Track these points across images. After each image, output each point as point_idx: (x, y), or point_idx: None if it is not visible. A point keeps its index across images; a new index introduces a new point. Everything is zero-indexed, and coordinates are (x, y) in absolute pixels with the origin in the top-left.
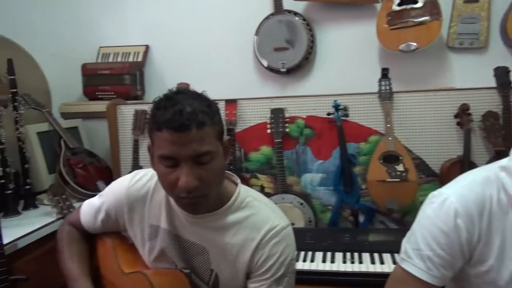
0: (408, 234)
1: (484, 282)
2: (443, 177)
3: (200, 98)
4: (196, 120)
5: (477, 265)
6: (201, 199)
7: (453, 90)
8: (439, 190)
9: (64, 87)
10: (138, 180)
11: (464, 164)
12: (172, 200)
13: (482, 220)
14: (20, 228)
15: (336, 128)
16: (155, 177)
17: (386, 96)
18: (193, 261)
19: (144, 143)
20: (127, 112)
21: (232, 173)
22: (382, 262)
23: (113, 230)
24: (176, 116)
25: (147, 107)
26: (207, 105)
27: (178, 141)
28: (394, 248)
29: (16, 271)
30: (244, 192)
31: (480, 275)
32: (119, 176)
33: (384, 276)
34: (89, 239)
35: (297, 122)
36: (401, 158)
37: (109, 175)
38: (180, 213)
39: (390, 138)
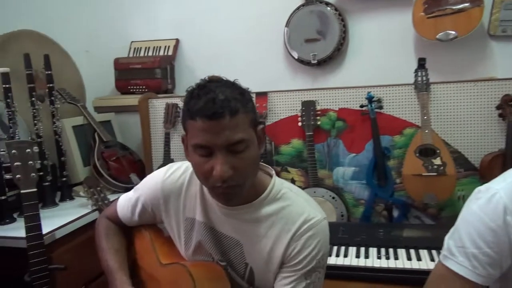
0: (452, 230)
1: None
2: (483, 171)
3: (233, 86)
4: (229, 107)
5: None
6: (236, 189)
7: (495, 80)
8: (486, 185)
9: (98, 81)
10: (173, 173)
11: (506, 158)
12: (206, 192)
13: None
14: (58, 218)
15: (369, 121)
16: (190, 170)
17: (422, 87)
18: (229, 254)
19: (175, 136)
20: (158, 105)
21: (266, 165)
22: (419, 259)
23: (150, 222)
24: (209, 104)
25: (178, 101)
26: (240, 92)
27: (211, 130)
28: (431, 244)
29: (54, 260)
30: (279, 184)
31: None
32: (151, 168)
33: (422, 273)
34: (126, 231)
35: (329, 115)
36: (438, 151)
37: (142, 168)
38: (215, 206)
39: (426, 131)
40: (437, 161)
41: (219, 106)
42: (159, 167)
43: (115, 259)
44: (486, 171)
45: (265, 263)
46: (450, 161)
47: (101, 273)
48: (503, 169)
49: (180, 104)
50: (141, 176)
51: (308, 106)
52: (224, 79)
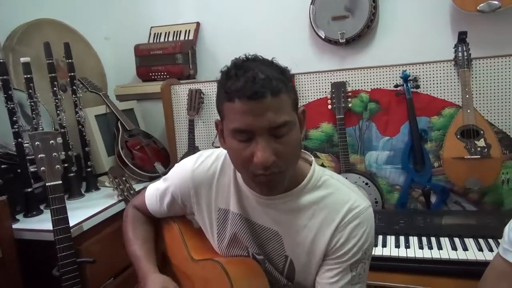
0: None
1: None
2: None
3: (272, 64)
4: (271, 86)
5: None
6: (279, 176)
7: None
8: None
9: (119, 69)
10: (203, 162)
11: None
12: (241, 182)
13: None
14: (84, 210)
15: (405, 101)
16: (222, 158)
17: (463, 63)
18: (267, 246)
19: (200, 123)
20: (181, 92)
21: (304, 151)
22: (465, 248)
23: (179, 214)
24: (249, 84)
25: (202, 86)
26: (280, 71)
27: (252, 111)
28: (477, 232)
29: (82, 253)
30: (319, 171)
31: None
32: (175, 157)
33: (469, 264)
34: (154, 223)
35: (361, 96)
36: (482, 132)
37: (166, 156)
38: (250, 195)
39: (469, 111)
40: (481, 143)
41: (260, 85)
42: (184, 155)
43: (141, 248)
44: None
45: (306, 255)
46: (495, 142)
47: (129, 264)
48: None
49: (204, 89)
50: (166, 164)
51: (338, 88)
52: (261, 57)
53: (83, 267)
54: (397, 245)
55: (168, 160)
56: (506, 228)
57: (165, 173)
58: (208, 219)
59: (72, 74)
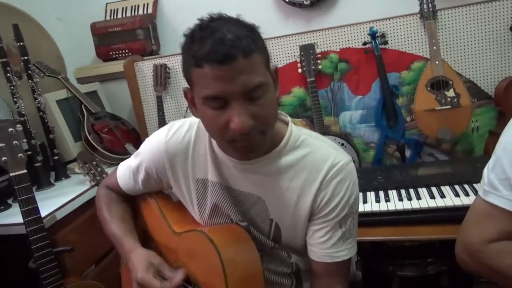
0: (491, 163)
1: None
2: (498, 99)
3: (240, 23)
4: (242, 47)
5: None
6: (259, 138)
7: None
8: None
9: (76, 51)
10: (176, 132)
11: None
12: (217, 149)
13: None
14: (56, 199)
15: (374, 59)
16: (194, 127)
17: (429, 15)
18: (250, 212)
19: (168, 99)
20: (145, 68)
21: (280, 111)
22: (442, 196)
23: (156, 189)
24: (217, 47)
25: (166, 61)
26: (249, 29)
27: (224, 76)
28: (452, 180)
29: (59, 243)
30: (297, 130)
31: None
32: (146, 136)
33: (448, 210)
34: (129, 201)
35: (330, 57)
36: (451, 82)
37: (137, 137)
38: (228, 162)
39: (437, 62)
40: (451, 93)
41: (230, 47)
42: None
43: (119, 226)
44: (502, 98)
45: (291, 217)
46: (464, 91)
47: (111, 250)
48: None
49: (169, 64)
50: (137, 145)
51: (307, 50)
52: (227, 16)
53: (62, 256)
54: (377, 200)
55: (139, 141)
56: (485, 171)
57: None
58: (187, 191)
59: (26, 58)
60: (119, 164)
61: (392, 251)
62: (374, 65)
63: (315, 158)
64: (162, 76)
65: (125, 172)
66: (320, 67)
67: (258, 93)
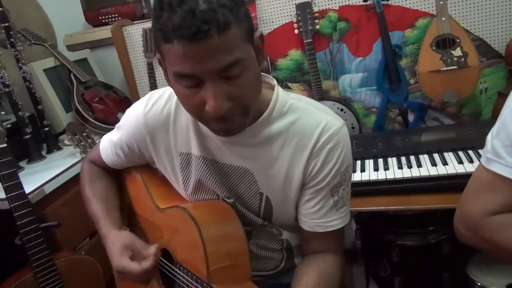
0: (495, 128)
1: None
2: (509, 57)
3: None
4: (216, 21)
5: None
6: (238, 120)
7: None
8: None
9: (65, 16)
10: (155, 103)
11: None
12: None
13: None
14: (47, 172)
15: (375, 16)
16: (174, 98)
17: None
18: (238, 187)
19: (159, 65)
20: (135, 33)
21: (265, 74)
22: (445, 163)
23: (141, 163)
24: (188, 20)
25: None
26: None
27: (195, 54)
28: (456, 145)
29: (48, 217)
30: (283, 94)
31: None
32: None
33: (450, 178)
34: (115, 175)
35: (329, 16)
36: (458, 40)
37: (129, 105)
38: (211, 134)
39: (443, 18)
40: (457, 52)
41: (202, 21)
42: None
43: (99, 206)
44: None
45: (282, 188)
46: (472, 50)
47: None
48: None
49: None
50: None
51: (304, 9)
52: None
53: (53, 231)
54: (376, 169)
55: None
56: (489, 137)
57: None
58: (170, 165)
59: (6, 24)
60: None
61: (392, 220)
62: (375, 24)
63: (304, 124)
64: (152, 41)
65: (108, 146)
66: (318, 27)
67: (235, 71)
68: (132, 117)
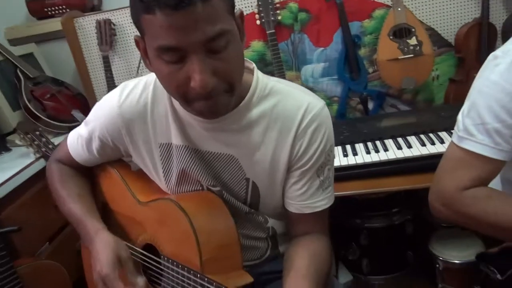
0: (465, 108)
1: None
2: (459, 45)
3: None
4: None
5: None
6: (223, 98)
7: None
8: (501, 49)
9: (5, 8)
10: (130, 94)
11: (482, 26)
12: (179, 108)
13: None
14: None
15: (335, 7)
16: (151, 86)
17: None
18: (223, 175)
19: (116, 58)
20: (87, 25)
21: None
22: (409, 146)
23: (114, 158)
24: None
25: (111, 16)
26: None
27: (179, 24)
28: (417, 129)
29: (3, 223)
30: (263, 77)
31: None
32: (95, 101)
33: (415, 160)
34: (86, 173)
35: (290, 7)
36: (413, 30)
37: (84, 102)
38: (193, 122)
39: (399, 9)
40: (413, 41)
41: None
42: None
43: (78, 205)
44: (463, 45)
45: (269, 173)
46: (426, 39)
47: (65, 225)
48: (480, 39)
49: (114, 19)
50: (85, 111)
51: (265, 0)
52: None
53: (9, 237)
54: (345, 154)
55: (86, 106)
56: (460, 116)
57: None
58: (149, 158)
59: None
60: (66, 132)
61: (359, 204)
62: (335, 14)
63: (287, 106)
64: (107, 34)
65: (77, 142)
66: (279, 18)
67: (221, 43)
68: (105, 109)
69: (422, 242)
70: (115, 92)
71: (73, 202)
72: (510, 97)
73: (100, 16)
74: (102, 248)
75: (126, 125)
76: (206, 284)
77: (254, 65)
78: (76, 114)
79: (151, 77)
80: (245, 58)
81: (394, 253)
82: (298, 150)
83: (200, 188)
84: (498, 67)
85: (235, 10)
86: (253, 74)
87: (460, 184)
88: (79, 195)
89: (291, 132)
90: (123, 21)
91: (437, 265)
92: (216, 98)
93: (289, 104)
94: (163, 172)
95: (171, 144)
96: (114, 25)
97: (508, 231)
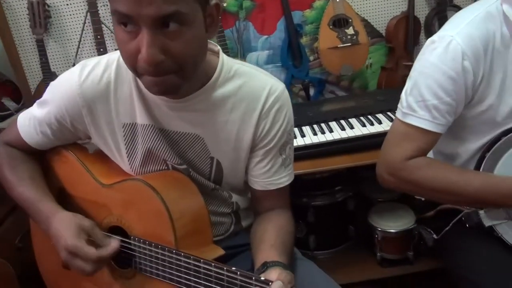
0: (408, 87)
1: (480, 122)
2: (389, 36)
3: None
4: None
5: (476, 105)
6: (172, 78)
7: None
8: (438, 34)
9: None
10: (91, 72)
11: (409, 19)
12: (144, 88)
13: (486, 59)
14: None
15: None
16: (113, 64)
17: None
18: (188, 154)
19: (51, 42)
20: (17, 5)
21: (210, 41)
22: (351, 127)
23: (70, 141)
24: None
25: None
26: None
27: None
28: (357, 112)
29: None
30: (228, 60)
31: (477, 116)
32: (27, 88)
33: (357, 139)
34: (37, 158)
35: None
36: (350, 20)
37: (15, 90)
38: (158, 101)
39: (338, 0)
40: (350, 31)
41: None
42: (39, 85)
43: (31, 188)
44: (392, 36)
45: (233, 151)
46: (361, 29)
47: (5, 216)
48: (407, 30)
49: (49, 0)
50: (17, 98)
51: None
52: None
53: None
54: (294, 137)
55: (18, 93)
56: (403, 95)
57: (19, 109)
58: (112, 139)
59: None
60: None
61: (305, 183)
62: (278, 3)
63: (252, 88)
64: (41, 16)
65: (29, 124)
66: (225, 5)
67: (174, 24)
68: (64, 89)
69: (361, 217)
70: (73, 70)
71: (24, 186)
72: (446, 77)
73: None
74: (63, 225)
75: (87, 105)
76: (183, 259)
77: (219, 47)
78: (8, 102)
79: (113, 55)
80: (210, 41)
81: (337, 228)
82: (262, 130)
83: (165, 167)
84: (436, 50)
85: (211, 1)
86: (218, 57)
87: (404, 155)
88: (32, 179)
89: (256, 111)
90: (58, 2)
91: (376, 236)
92: (164, 77)
93: (254, 85)
94: (126, 152)
95: (136, 123)
96: (48, 6)
97: (445, 193)
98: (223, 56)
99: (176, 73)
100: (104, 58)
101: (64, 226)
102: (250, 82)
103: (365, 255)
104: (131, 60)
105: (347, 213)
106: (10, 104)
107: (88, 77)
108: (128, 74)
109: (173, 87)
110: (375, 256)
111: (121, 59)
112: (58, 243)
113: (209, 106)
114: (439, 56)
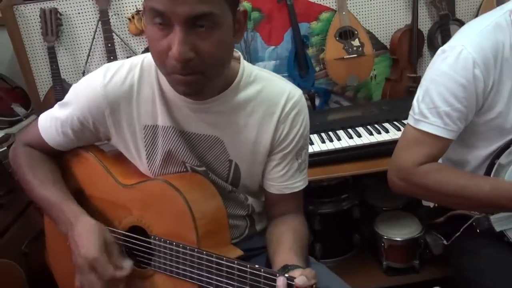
0: (420, 95)
1: (490, 128)
2: (393, 48)
3: None
4: None
5: (486, 113)
6: (198, 78)
7: None
8: (449, 44)
9: None
10: (115, 74)
11: (413, 32)
12: (167, 89)
13: (496, 68)
14: None
15: (286, 8)
16: (137, 67)
17: None
18: (208, 156)
19: (62, 50)
20: (30, 14)
21: None
22: (359, 136)
23: (90, 142)
24: None
25: (56, 5)
26: None
27: None
28: (364, 121)
29: None
30: (248, 65)
31: (487, 123)
32: (37, 94)
33: (365, 147)
34: (56, 159)
35: (243, 6)
36: (356, 32)
37: (24, 96)
38: (180, 102)
39: (344, 12)
40: (356, 43)
41: None
42: (48, 91)
43: (53, 190)
44: (396, 48)
45: (251, 154)
46: (367, 41)
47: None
48: (411, 43)
49: (61, 8)
50: (26, 105)
51: None
52: None
53: None
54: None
55: (27, 100)
56: (415, 102)
57: (28, 115)
58: (132, 140)
59: None
60: (6, 127)
61: (312, 191)
62: (286, 15)
63: (271, 92)
64: (52, 24)
65: (51, 125)
66: None
67: (206, 24)
68: (87, 90)
69: (366, 225)
70: (98, 72)
71: (46, 188)
72: (457, 85)
73: (45, 5)
74: (86, 232)
75: (111, 107)
76: (205, 257)
77: (239, 53)
78: (17, 108)
79: (137, 59)
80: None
81: (343, 236)
82: (281, 133)
83: (184, 169)
84: (447, 59)
85: (239, 7)
86: (239, 62)
87: (416, 160)
88: (53, 180)
89: (274, 116)
90: (70, 10)
91: (382, 244)
92: (191, 77)
93: (273, 90)
94: (146, 154)
95: (157, 125)
96: (60, 14)
97: (455, 197)
98: (243, 62)
99: (202, 74)
100: (127, 61)
101: (87, 234)
102: (269, 87)
103: (371, 264)
104: (161, 58)
105: (353, 221)
106: (19, 110)
107: (112, 79)
108: (150, 77)
109: (198, 87)
110: (381, 264)
111: (144, 62)
112: (77, 249)
113: (229, 109)
114: (451, 65)
